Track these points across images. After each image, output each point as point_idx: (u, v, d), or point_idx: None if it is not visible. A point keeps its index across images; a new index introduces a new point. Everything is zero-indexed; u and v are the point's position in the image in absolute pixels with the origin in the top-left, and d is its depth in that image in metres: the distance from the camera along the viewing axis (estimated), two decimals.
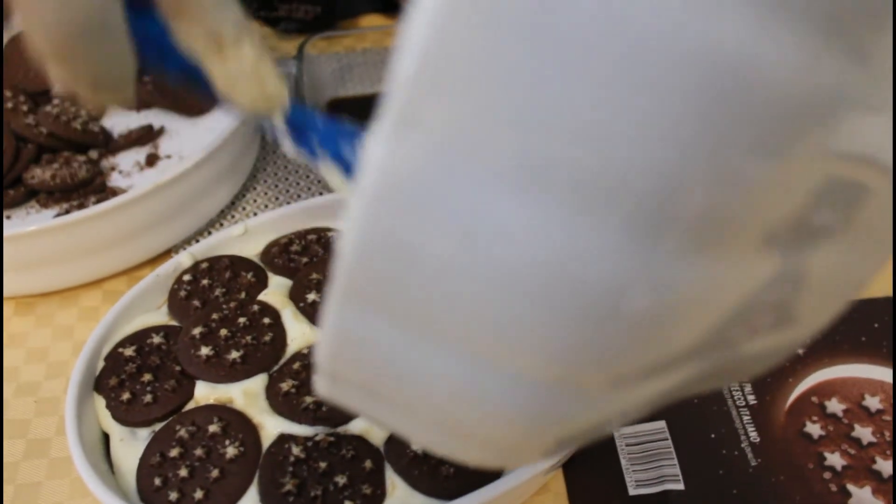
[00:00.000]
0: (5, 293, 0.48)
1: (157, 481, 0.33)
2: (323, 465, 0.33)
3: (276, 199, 0.56)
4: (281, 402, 0.35)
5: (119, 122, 0.58)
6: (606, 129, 0.12)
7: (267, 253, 0.43)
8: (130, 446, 0.35)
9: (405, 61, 0.13)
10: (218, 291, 0.41)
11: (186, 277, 0.41)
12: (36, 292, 0.48)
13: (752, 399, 0.44)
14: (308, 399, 0.35)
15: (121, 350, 0.38)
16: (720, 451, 0.41)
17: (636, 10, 0.12)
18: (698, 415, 0.43)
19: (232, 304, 0.39)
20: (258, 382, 0.36)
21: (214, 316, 0.39)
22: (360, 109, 0.61)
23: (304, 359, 0.37)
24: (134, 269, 0.50)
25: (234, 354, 0.37)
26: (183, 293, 0.41)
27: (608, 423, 0.19)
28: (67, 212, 0.50)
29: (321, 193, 0.56)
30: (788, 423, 0.43)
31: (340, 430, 0.35)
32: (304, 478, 0.33)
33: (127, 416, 0.36)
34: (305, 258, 0.42)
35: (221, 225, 0.53)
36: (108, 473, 0.34)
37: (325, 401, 0.34)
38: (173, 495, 0.32)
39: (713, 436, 0.42)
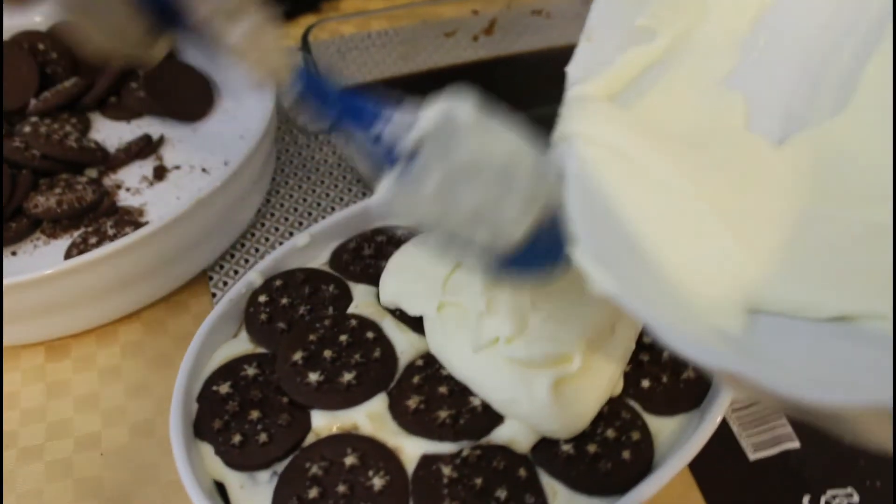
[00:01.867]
0: (32, 339, 0.43)
1: None
2: (478, 481, 0.31)
3: (303, 201, 0.52)
4: (412, 421, 0.33)
5: (110, 135, 0.53)
6: None
7: (337, 260, 0.40)
8: (253, 493, 0.32)
9: None
10: (302, 310, 0.37)
11: (262, 298, 0.38)
12: (67, 333, 0.43)
13: None
14: (442, 414, 0.33)
15: (215, 388, 0.34)
16: None
17: None
18: None
19: (326, 322, 0.36)
20: (380, 403, 0.34)
21: (311, 337, 0.35)
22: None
23: (421, 371, 0.34)
24: (171, 295, 0.46)
25: (348, 376, 0.34)
26: (263, 316, 0.37)
27: None
28: (84, 240, 0.45)
29: (349, 189, 0.53)
30: None
31: (483, 441, 0.32)
32: (463, 498, 0.31)
33: (243, 460, 0.32)
34: (383, 261, 0.39)
35: (253, 235, 0.49)
36: None
37: (465, 412, 0.32)
38: None
39: None
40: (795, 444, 0.39)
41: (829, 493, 0.38)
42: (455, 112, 0.28)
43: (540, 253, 0.29)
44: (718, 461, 0.39)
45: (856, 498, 0.37)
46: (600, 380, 0.33)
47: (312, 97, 0.31)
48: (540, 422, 0.32)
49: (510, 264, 0.30)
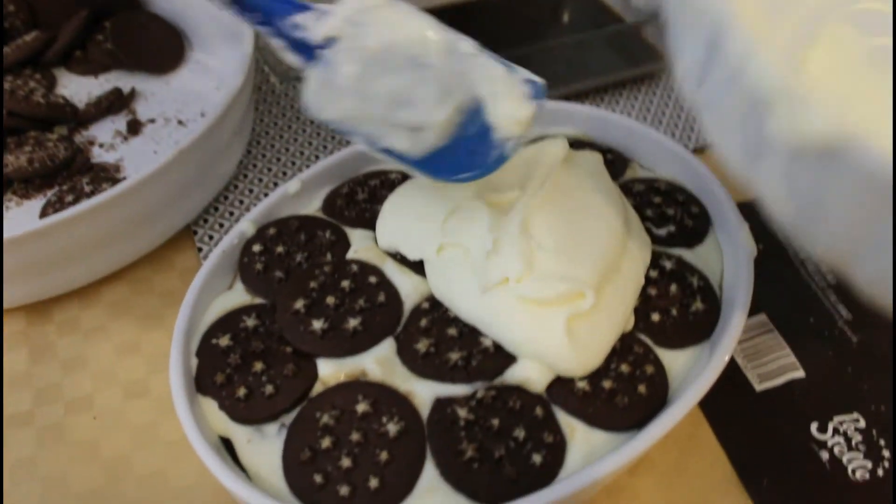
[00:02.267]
0: (11, 304, 0.41)
1: (318, 478, 0.29)
2: (495, 422, 0.30)
3: (285, 150, 0.50)
4: (423, 365, 0.32)
5: (78, 90, 0.51)
6: None
7: (331, 206, 0.39)
8: (261, 446, 0.31)
9: None
10: (299, 257, 0.36)
11: (256, 248, 0.36)
12: (48, 296, 0.41)
13: (831, 278, 0.44)
14: (453, 356, 0.32)
15: (214, 342, 0.33)
16: (823, 332, 0.41)
17: None
18: (792, 302, 0.43)
19: (326, 269, 0.35)
20: (387, 348, 0.33)
21: (312, 284, 0.34)
22: None
23: (428, 314, 0.33)
24: (155, 252, 0.44)
25: (353, 322, 0.33)
26: (259, 266, 0.36)
27: None
28: (60, 199, 0.43)
29: (332, 138, 0.51)
30: None
31: (497, 382, 0.32)
32: (480, 440, 0.30)
33: (249, 413, 0.31)
34: (378, 205, 0.38)
35: (236, 188, 0.48)
36: (248, 482, 0.30)
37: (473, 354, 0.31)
38: (344, 489, 0.29)
39: (812, 320, 0.42)
40: (800, 374, 0.39)
41: (836, 419, 0.38)
42: (365, 1, 0.30)
43: (463, 153, 0.31)
44: (725, 394, 0.38)
45: (862, 423, 0.37)
46: (613, 315, 0.32)
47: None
48: (555, 360, 0.31)
49: (435, 160, 0.31)
